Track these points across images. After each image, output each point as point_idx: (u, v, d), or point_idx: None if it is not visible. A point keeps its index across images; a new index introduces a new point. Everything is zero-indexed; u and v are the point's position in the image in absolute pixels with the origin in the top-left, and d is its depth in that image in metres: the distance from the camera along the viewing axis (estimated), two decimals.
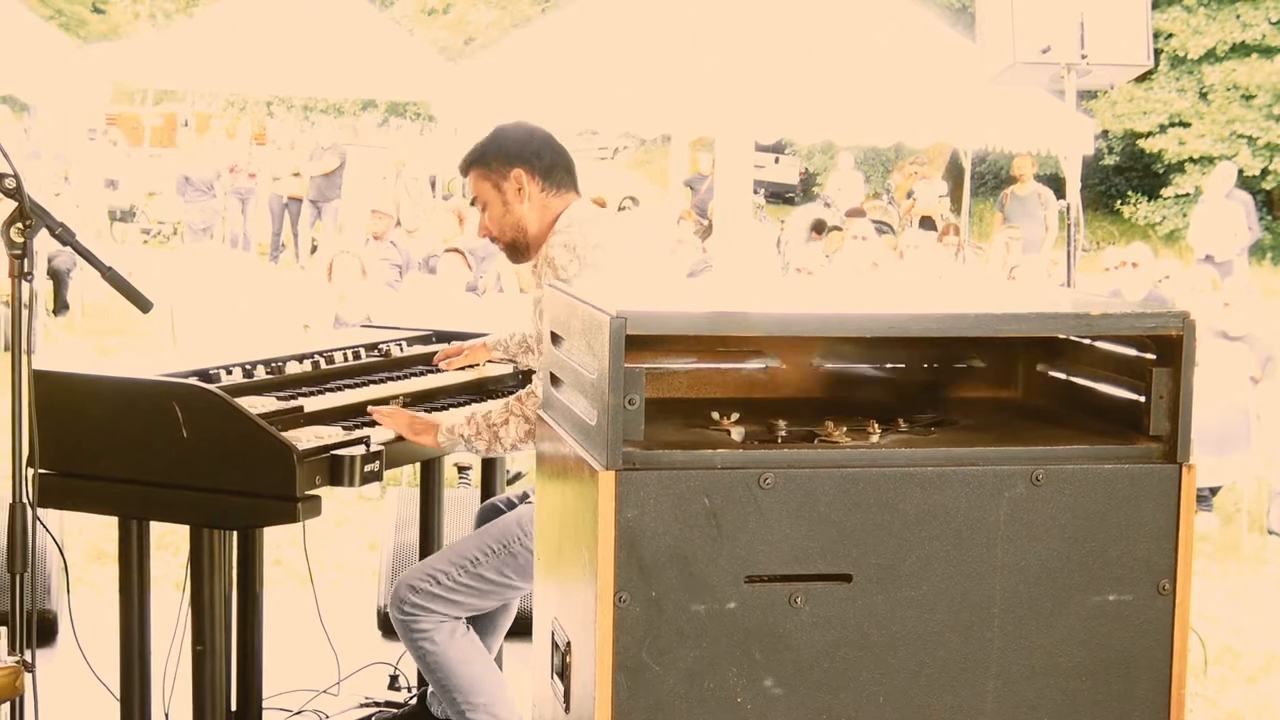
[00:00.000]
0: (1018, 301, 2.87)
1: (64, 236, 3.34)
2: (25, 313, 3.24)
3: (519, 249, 4.37)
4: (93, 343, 14.01)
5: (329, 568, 7.79)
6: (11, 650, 3.25)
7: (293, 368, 4.44)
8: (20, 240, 3.23)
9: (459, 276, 10.67)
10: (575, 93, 14.72)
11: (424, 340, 5.07)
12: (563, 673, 2.74)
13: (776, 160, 30.02)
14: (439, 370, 4.82)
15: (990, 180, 27.39)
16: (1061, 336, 2.93)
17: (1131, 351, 2.71)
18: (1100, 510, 2.59)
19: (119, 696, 4.25)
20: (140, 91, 25.94)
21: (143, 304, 3.44)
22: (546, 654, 2.88)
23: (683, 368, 3.03)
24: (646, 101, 14.25)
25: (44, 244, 14.49)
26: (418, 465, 5.39)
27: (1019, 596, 2.58)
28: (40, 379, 4.02)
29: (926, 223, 18.35)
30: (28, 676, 3.24)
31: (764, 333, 2.71)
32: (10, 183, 3.16)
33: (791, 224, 19.71)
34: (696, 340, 3.02)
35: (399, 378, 4.68)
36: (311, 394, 4.33)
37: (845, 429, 2.63)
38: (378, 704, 5.13)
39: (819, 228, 18.25)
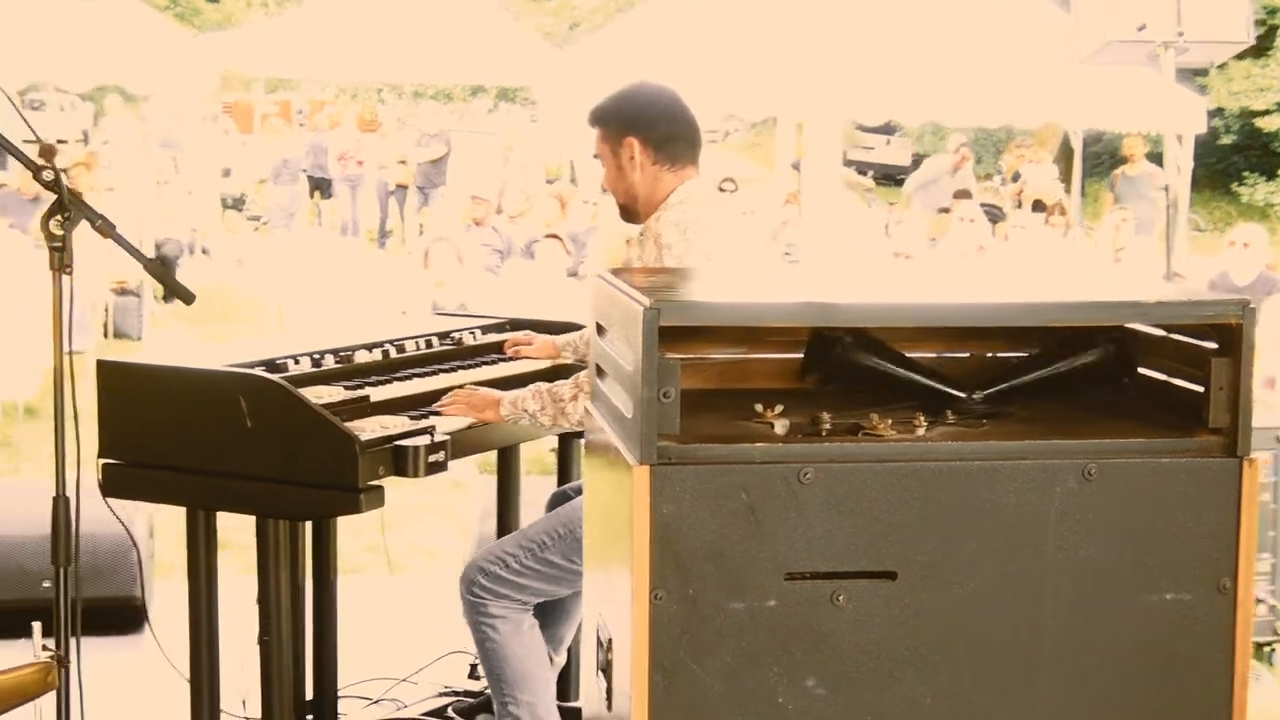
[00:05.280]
0: (1073, 289, 2.77)
1: (104, 229, 3.32)
2: (67, 306, 3.23)
3: (630, 211, 4.36)
4: (200, 329, 14.15)
5: (422, 554, 7.81)
6: (58, 644, 3.26)
7: (362, 357, 4.42)
8: (60, 233, 3.23)
9: (558, 262, 10.67)
10: (679, 76, 14.66)
11: (499, 328, 5.03)
12: (606, 670, 2.70)
13: (888, 142, 29.74)
14: (511, 359, 4.78)
15: (1106, 160, 26.98)
16: (1125, 326, 2.83)
17: (1191, 341, 2.62)
18: (1157, 506, 2.49)
19: (190, 682, 4.26)
20: (256, 80, 26.18)
21: (185, 296, 3.43)
22: (593, 649, 2.83)
23: (722, 359, 2.96)
24: (751, 84, 14.20)
25: (152, 232, 14.69)
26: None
27: (1072, 595, 2.49)
28: (106, 370, 4.05)
29: (1039, 205, 18.09)
30: (64, 670, 3.24)
31: (800, 323, 2.64)
32: (49, 175, 3.16)
33: (917, 182, 19.43)
34: (747, 331, 2.95)
35: (471, 366, 4.65)
36: (380, 383, 4.31)
37: (890, 421, 2.55)
38: (456, 693, 5.12)
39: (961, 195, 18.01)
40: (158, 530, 6.46)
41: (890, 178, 28.29)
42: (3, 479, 8.36)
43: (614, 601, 2.61)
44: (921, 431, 2.55)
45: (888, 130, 27.88)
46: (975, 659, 2.49)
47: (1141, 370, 2.78)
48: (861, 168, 26.60)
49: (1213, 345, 2.56)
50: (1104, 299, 2.59)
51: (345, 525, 6.60)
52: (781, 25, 13.84)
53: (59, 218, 3.22)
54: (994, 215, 16.22)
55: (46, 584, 5.73)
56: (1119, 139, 19.87)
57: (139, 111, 18.84)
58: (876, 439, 2.52)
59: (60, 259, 3.23)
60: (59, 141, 23.11)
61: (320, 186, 21.08)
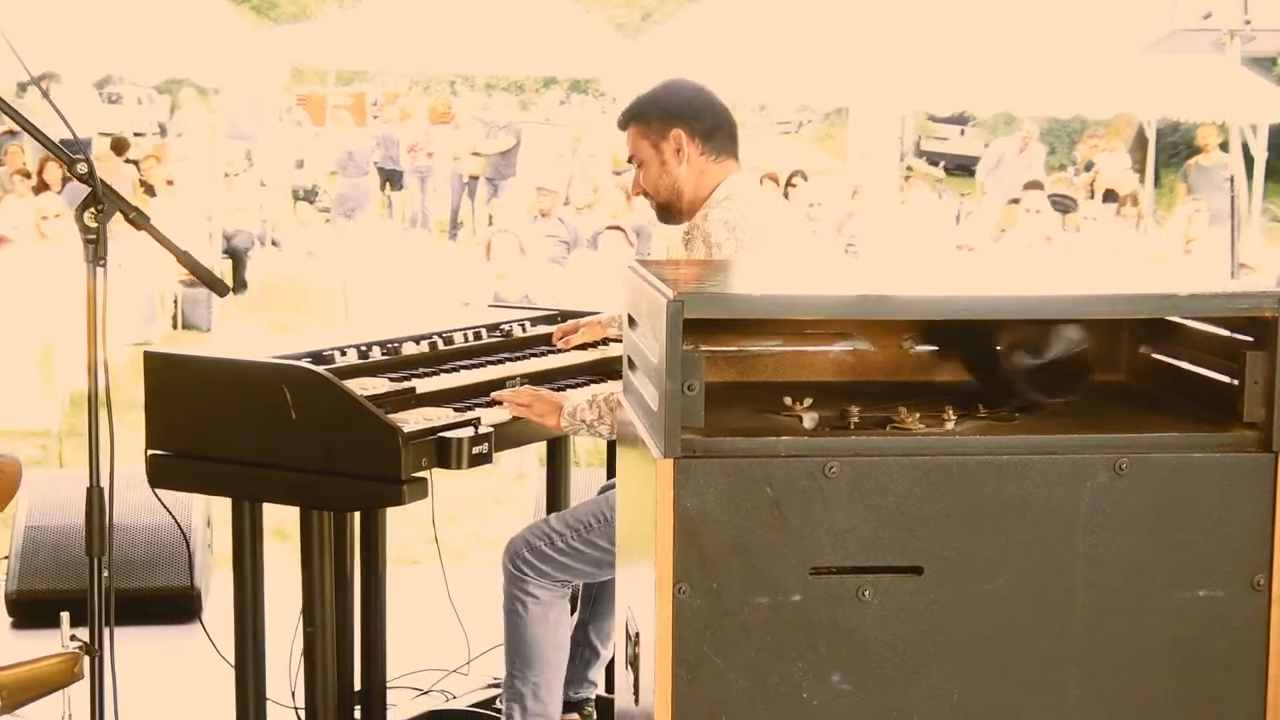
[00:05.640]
0: (1106, 281, 2.74)
1: (138, 221, 3.33)
2: (101, 299, 3.24)
3: (672, 211, 4.30)
4: (270, 320, 14.24)
5: (485, 545, 7.82)
6: (92, 634, 3.28)
7: (409, 349, 4.41)
8: (94, 225, 3.24)
9: (621, 254, 10.67)
10: (749, 66, 14.66)
11: (549, 320, 5.02)
12: (633, 663, 2.69)
13: (962, 132, 29.56)
14: (560, 350, 4.77)
15: (1184, 151, 26.67)
16: (1166, 319, 2.79)
17: (1226, 334, 2.58)
18: (1189, 501, 2.45)
19: (234, 670, 4.29)
20: (329, 72, 26.32)
21: (220, 288, 3.44)
22: (623, 642, 2.83)
23: (758, 351, 2.94)
24: (821, 74, 14.15)
25: (219, 225, 14.79)
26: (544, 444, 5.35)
27: (1102, 591, 2.46)
28: (153, 361, 4.07)
29: (1111, 195, 17.92)
30: (97, 660, 3.26)
31: (823, 315, 2.62)
32: (82, 167, 3.17)
33: (986, 166, 19.25)
34: (785, 323, 2.93)
35: (519, 358, 4.63)
36: (427, 375, 4.30)
37: (918, 415, 2.53)
38: None
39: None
40: (215, 521, 6.50)
41: (964, 168, 28.10)
42: (70, 469, 8.42)
43: (640, 595, 2.60)
44: (950, 425, 2.53)
45: (961, 120, 27.71)
46: (1003, 655, 2.46)
47: (1177, 363, 2.74)
48: (934, 158, 26.45)
49: (1248, 338, 2.52)
50: (1135, 291, 2.55)
51: (407, 516, 6.63)
52: (852, 15, 13.78)
53: (93, 210, 3.23)
54: (1065, 206, 16.07)
55: (104, 574, 5.80)
56: (1195, 129, 19.69)
57: (213, 104, 19.01)
58: (903, 433, 2.49)
59: (95, 251, 3.24)
60: (135, 134, 23.35)
61: (391, 178, 21.16)
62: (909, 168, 22.39)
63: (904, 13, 13.66)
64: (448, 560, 7.14)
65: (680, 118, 4.18)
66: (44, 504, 6.04)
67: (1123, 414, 2.64)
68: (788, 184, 16.03)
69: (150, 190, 14.69)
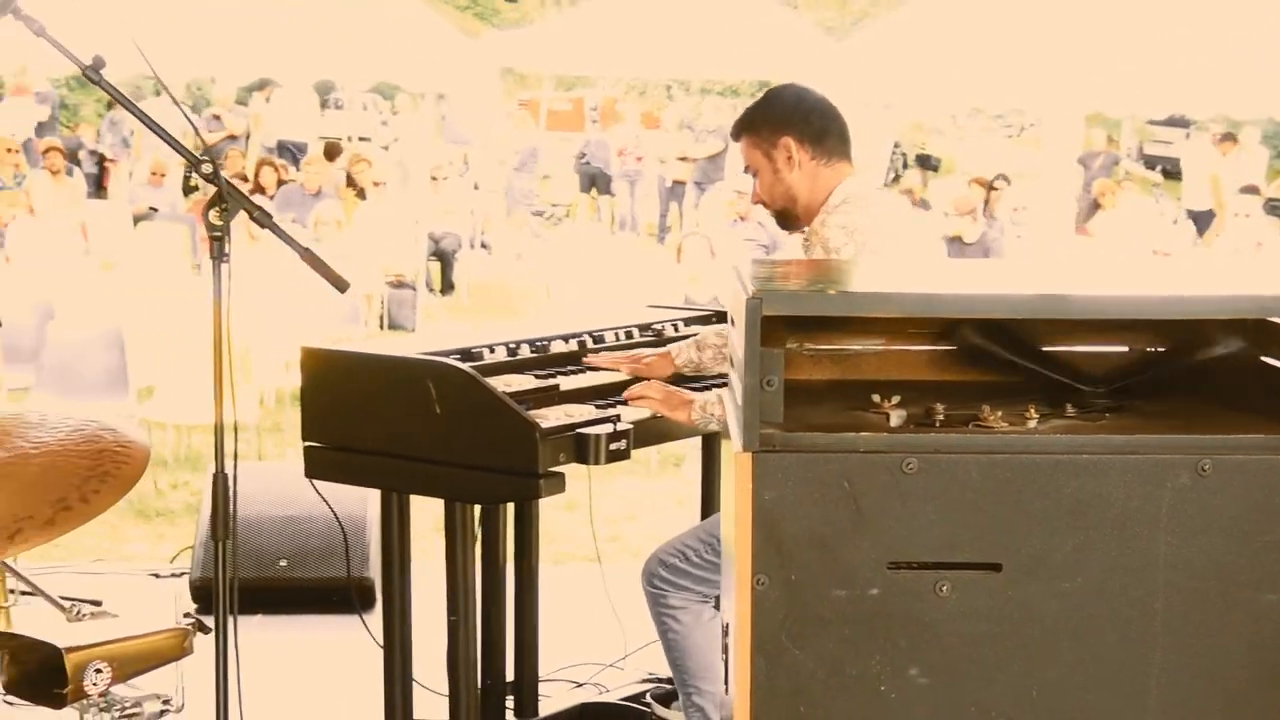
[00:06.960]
0: (1210, 283, 2.72)
1: (261, 219, 3.47)
2: (225, 293, 3.38)
3: (789, 218, 4.33)
4: (476, 322, 14.50)
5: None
6: (216, 618, 3.42)
7: (558, 347, 4.52)
8: (219, 223, 3.38)
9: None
10: (958, 69, 14.56)
11: (704, 320, 5.08)
12: (725, 653, 2.74)
13: (1187, 136, 28.87)
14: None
15: None
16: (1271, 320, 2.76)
17: None
18: (1273, 504, 2.43)
19: (383, 653, 4.43)
20: (550, 77, 26.69)
21: (340, 284, 3.56)
22: (720, 634, 2.89)
23: (854, 350, 2.97)
24: (1027, 77, 14.00)
25: (423, 226, 15.08)
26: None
27: (1184, 593, 2.45)
28: (309, 356, 4.24)
29: None
30: (220, 640, 3.41)
31: (901, 313, 2.64)
32: (207, 168, 3.32)
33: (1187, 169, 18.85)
34: (884, 322, 2.96)
35: None
36: (573, 373, 4.40)
37: (1001, 414, 2.54)
38: (659, 680, 5.19)
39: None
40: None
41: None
42: (262, 462, 8.68)
43: (727, 586, 2.66)
44: (1033, 424, 2.54)
45: (1184, 124, 27.09)
46: (1082, 655, 2.47)
47: (1272, 362, 2.72)
48: (1153, 161, 25.94)
49: None
50: (1226, 293, 2.53)
51: (585, 514, 6.74)
52: (1067, 16, 13.62)
53: (218, 209, 3.38)
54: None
55: (283, 563, 6.01)
56: None
57: (432, 109, 19.41)
58: (984, 431, 2.51)
59: (220, 248, 3.40)
60: (361, 139, 23.94)
61: (599, 182, 21.39)
62: (1126, 172, 22.00)
63: (1117, 13, 13.46)
64: (627, 559, 7.27)
65: (788, 124, 4.20)
66: None
67: (1209, 414, 2.63)
68: (990, 188, 15.86)
69: (361, 194, 15.06)
